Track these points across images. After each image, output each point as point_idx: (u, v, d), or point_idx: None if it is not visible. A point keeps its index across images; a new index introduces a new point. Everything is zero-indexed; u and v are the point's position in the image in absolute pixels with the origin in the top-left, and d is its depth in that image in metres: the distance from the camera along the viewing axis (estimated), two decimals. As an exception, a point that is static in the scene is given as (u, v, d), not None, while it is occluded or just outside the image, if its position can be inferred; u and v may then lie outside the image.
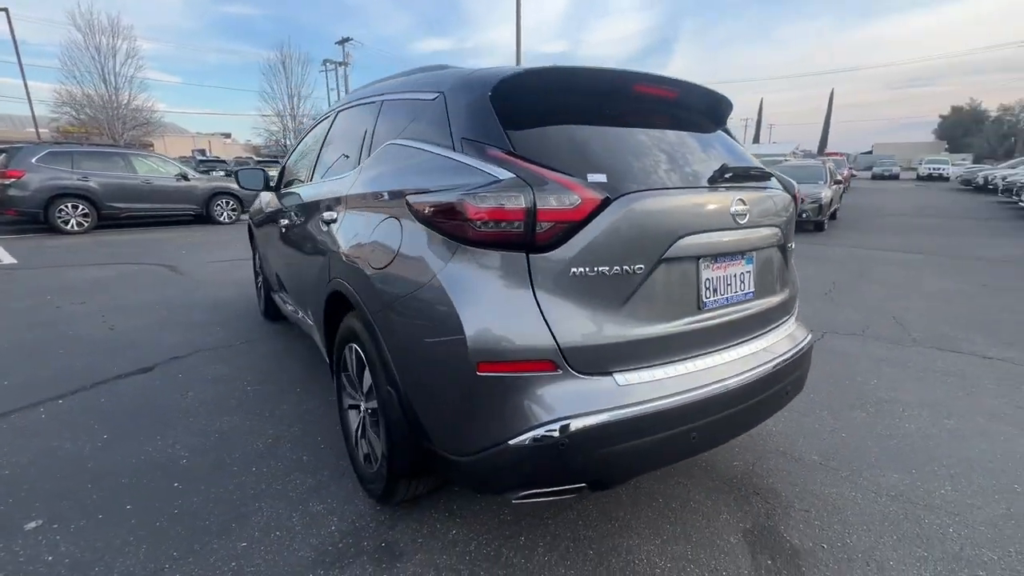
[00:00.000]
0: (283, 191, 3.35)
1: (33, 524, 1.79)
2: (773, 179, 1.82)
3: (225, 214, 10.93)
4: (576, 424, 1.26)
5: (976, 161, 41.98)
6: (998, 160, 37.65)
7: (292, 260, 2.73)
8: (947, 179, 33.00)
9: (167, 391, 2.87)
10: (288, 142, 33.64)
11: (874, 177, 36.91)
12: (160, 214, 10.22)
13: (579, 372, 1.30)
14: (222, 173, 20.03)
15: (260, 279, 4.19)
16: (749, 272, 1.65)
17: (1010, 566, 1.62)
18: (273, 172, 3.82)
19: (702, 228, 1.46)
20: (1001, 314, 4.44)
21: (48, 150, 9.20)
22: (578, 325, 1.30)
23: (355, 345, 1.83)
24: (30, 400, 2.73)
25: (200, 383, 2.98)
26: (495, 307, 1.28)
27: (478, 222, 1.27)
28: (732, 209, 1.53)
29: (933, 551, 1.69)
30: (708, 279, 1.52)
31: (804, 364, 1.84)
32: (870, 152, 65.74)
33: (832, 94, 65.87)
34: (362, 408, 1.90)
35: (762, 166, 1.78)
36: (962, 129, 63.80)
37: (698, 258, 1.48)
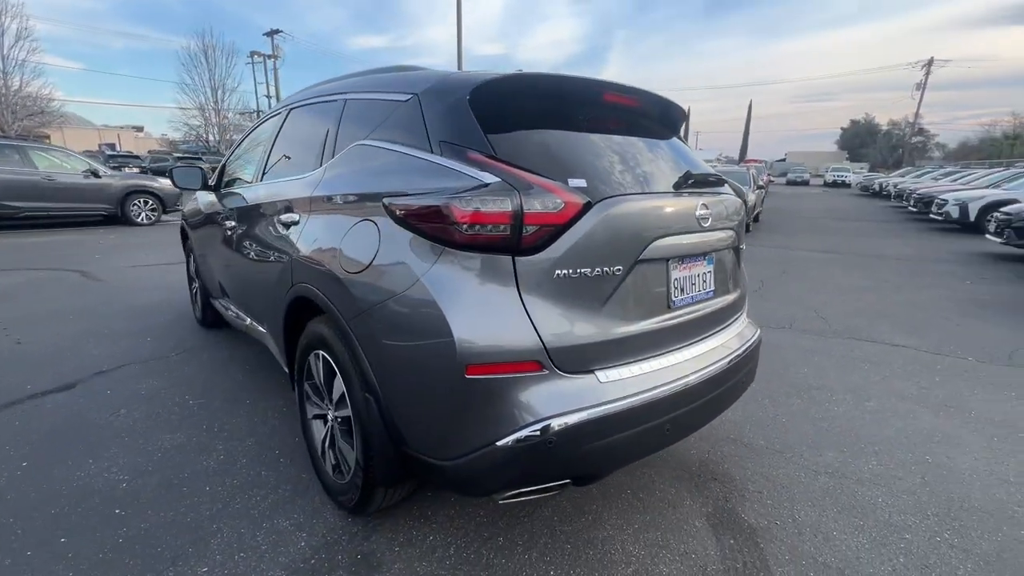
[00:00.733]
0: (224, 191, 3.15)
1: (-54, 568, 1.57)
2: (727, 185, 1.95)
3: (143, 214, 10.04)
4: (563, 422, 1.30)
5: (871, 170, 46.81)
6: (889, 169, 42.21)
7: (239, 264, 2.58)
8: (849, 185, 36.70)
9: (95, 410, 2.61)
10: (212, 137, 31.47)
11: (788, 183, 40.30)
12: (66, 214, 9.22)
13: (563, 371, 1.34)
14: (136, 170, 18.48)
15: (196, 285, 3.91)
16: (710, 272, 1.77)
17: (929, 528, 1.84)
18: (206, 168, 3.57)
19: (672, 231, 1.55)
20: (901, 307, 5.00)
21: (-77, 141, 8.04)
22: (562, 326, 1.34)
23: (323, 352, 1.76)
24: (-76, 427, 2.40)
25: (134, 399, 2.74)
26: (482, 309, 1.29)
27: (465, 225, 1.28)
28: (697, 213, 1.63)
29: (867, 520, 1.88)
30: (676, 279, 1.61)
31: (755, 357, 1.99)
32: (783, 160, 71.43)
33: (751, 105, 70.77)
34: (330, 417, 1.83)
35: (718, 173, 1.91)
36: (859, 140, 70.89)
37: (668, 259, 1.57)
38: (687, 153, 1.95)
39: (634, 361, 1.47)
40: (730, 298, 1.91)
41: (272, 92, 34.48)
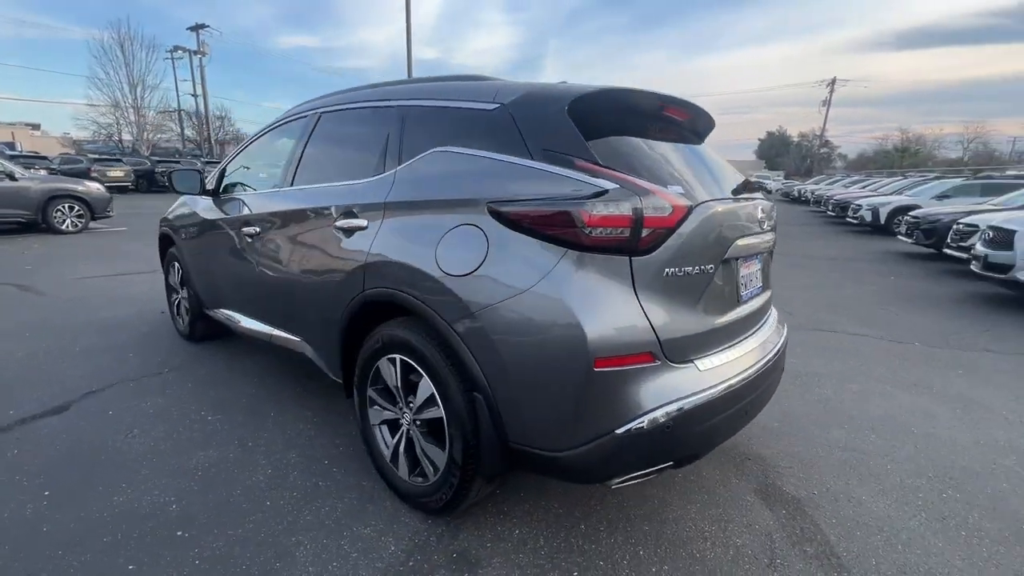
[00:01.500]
0: (230, 196, 3.01)
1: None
2: (761, 191, 2.17)
3: (68, 221, 9.11)
4: (677, 408, 1.42)
5: (787, 178, 51.04)
6: (802, 177, 46.22)
7: (265, 273, 2.48)
8: (770, 192, 39.88)
9: (103, 432, 2.41)
10: (128, 137, 28.93)
11: (716, 189, 43.09)
12: (-27, 221, 8.21)
13: (672, 362, 1.46)
14: (43, 171, 16.61)
15: (180, 296, 3.67)
16: (759, 270, 1.97)
17: (934, 487, 2.13)
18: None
19: (745, 232, 1.73)
20: (849, 301, 5.59)
21: None
22: (670, 320, 1.46)
23: (401, 356, 1.78)
24: (-97, 462, 2.12)
25: (143, 419, 2.55)
26: (606, 307, 1.39)
27: (591, 229, 1.37)
28: (758, 216, 1.82)
29: (885, 484, 2.15)
30: (742, 276, 1.78)
31: (786, 345, 2.21)
32: (709, 168, 75.85)
33: (679, 116, 74.99)
34: (406, 420, 1.84)
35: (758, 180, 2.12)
36: (775, 150, 77.08)
37: (738, 258, 1.74)
38: (721, 160, 2.15)
39: (721, 350, 1.62)
40: (768, 293, 2.12)
41: (199, 91, 32.25)
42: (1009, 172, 19.12)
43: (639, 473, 1.49)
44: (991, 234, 5.73)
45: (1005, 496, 2.08)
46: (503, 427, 1.53)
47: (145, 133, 28.85)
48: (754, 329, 1.88)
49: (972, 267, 6.02)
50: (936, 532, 1.85)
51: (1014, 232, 5.38)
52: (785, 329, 2.20)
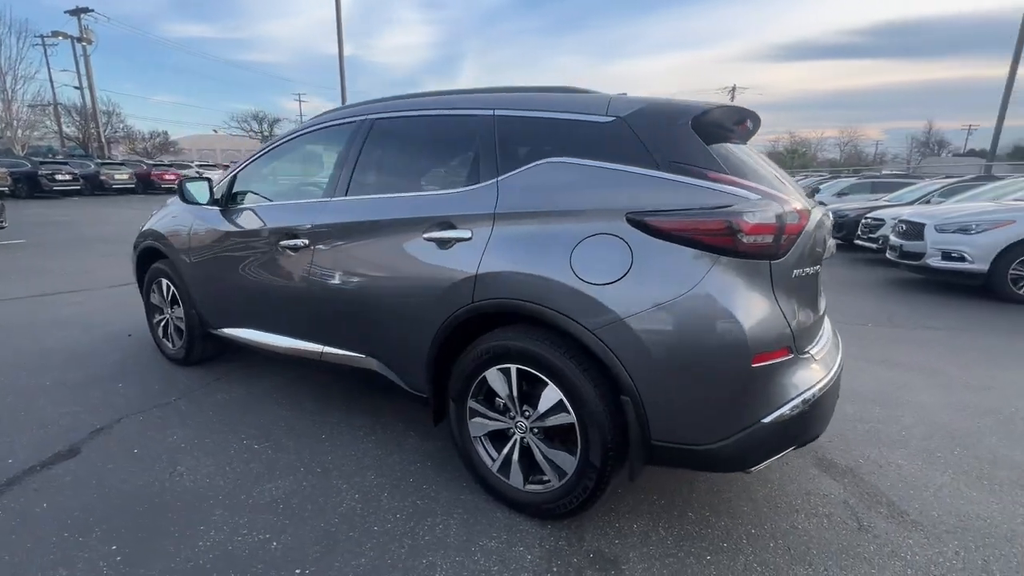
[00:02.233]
0: (245, 207, 2.80)
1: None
2: None
3: (-49, 235, 7.76)
4: (810, 395, 1.58)
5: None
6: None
7: (323, 287, 2.33)
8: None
9: (140, 473, 2.16)
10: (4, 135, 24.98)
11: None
12: None
13: (799, 354, 1.62)
14: None
15: (165, 317, 3.33)
16: (820, 269, 2.20)
17: (945, 446, 2.50)
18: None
19: (827, 235, 1.93)
20: (798, 289, 6.23)
21: None
22: (796, 316, 1.62)
23: (517, 366, 1.79)
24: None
25: (179, 454, 2.31)
26: (756, 308, 1.51)
27: (748, 237, 1.48)
28: (828, 221, 2.03)
29: (910, 449, 2.48)
30: (819, 275, 1.99)
31: None
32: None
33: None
34: (521, 429, 1.85)
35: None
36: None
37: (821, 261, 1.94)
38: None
39: (819, 342, 1.81)
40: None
41: (83, 83, 28.52)
42: (885, 172, 22.09)
43: (774, 457, 1.63)
44: (904, 227, 6.65)
45: (999, 449, 2.49)
46: (647, 426, 1.61)
47: (19, 130, 25.04)
48: (824, 323, 2.10)
49: (888, 255, 6.96)
50: (966, 484, 2.19)
51: (923, 225, 6.29)
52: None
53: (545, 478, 1.85)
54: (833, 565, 1.70)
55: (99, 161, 23.37)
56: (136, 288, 3.72)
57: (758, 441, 1.56)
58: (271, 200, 2.85)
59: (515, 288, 1.75)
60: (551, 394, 1.74)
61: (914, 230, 6.45)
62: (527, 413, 1.84)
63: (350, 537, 1.81)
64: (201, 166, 27.57)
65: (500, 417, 1.92)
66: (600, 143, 1.75)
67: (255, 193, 2.89)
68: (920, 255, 6.25)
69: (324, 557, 1.71)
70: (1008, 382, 3.32)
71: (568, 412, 1.72)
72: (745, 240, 1.49)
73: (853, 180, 14.77)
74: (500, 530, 1.85)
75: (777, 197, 1.57)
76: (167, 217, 3.25)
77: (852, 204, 11.01)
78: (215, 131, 67.20)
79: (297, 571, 1.65)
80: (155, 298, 3.41)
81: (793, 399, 1.56)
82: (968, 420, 2.78)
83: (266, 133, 43.31)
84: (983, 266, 5.66)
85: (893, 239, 6.86)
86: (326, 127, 2.60)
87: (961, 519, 1.95)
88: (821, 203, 2.19)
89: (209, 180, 2.86)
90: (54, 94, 29.74)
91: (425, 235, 2.00)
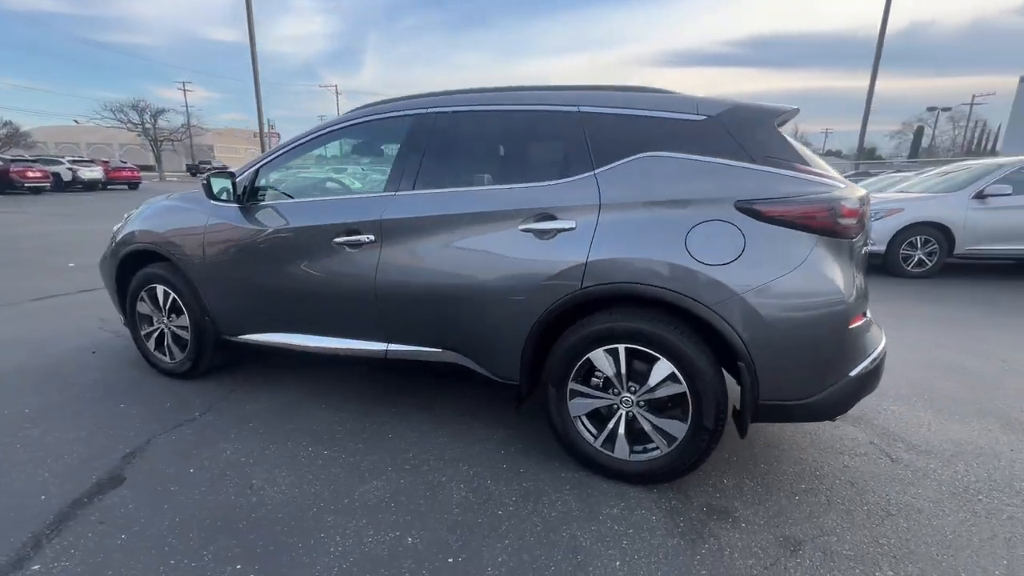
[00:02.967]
0: (280, 204, 2.64)
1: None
2: None
3: None
4: (879, 352, 1.91)
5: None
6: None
7: (398, 284, 2.27)
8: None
9: (212, 494, 2.00)
10: None
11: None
12: None
13: (867, 318, 1.94)
14: None
15: (160, 327, 3.01)
16: None
17: (951, 385, 3.04)
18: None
19: None
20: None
21: None
22: (863, 286, 1.93)
23: (625, 344, 1.93)
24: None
25: (242, 469, 2.16)
26: (847, 279, 1.79)
27: (843, 219, 1.75)
28: None
29: (934, 396, 2.98)
30: None
31: None
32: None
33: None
34: (629, 401, 1.99)
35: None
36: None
37: None
38: None
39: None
40: None
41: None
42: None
43: (854, 406, 1.93)
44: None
45: (951, 390, 3.07)
46: (757, 387, 1.84)
47: None
48: None
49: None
50: (945, 419, 2.69)
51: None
52: None
53: (651, 446, 2.02)
54: (889, 490, 2.06)
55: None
56: (73, 300, 3.30)
57: (846, 393, 1.85)
58: (302, 196, 2.70)
59: (632, 272, 1.89)
60: (662, 368, 1.91)
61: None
62: (632, 388, 1.99)
63: (481, 523, 1.84)
64: (75, 162, 24.01)
65: (603, 394, 2.05)
66: (695, 139, 1.94)
67: (277, 189, 2.72)
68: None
69: (468, 544, 1.73)
70: (921, 340, 4.03)
71: (679, 383, 1.90)
72: (841, 223, 1.76)
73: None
74: (614, 499, 1.99)
75: (851, 185, 1.87)
76: (166, 215, 2.93)
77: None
78: (76, 122, 58.52)
79: (450, 560, 1.66)
80: (144, 307, 3.06)
81: (871, 355, 1.88)
82: (916, 371, 3.38)
83: (148, 125, 38.54)
84: (882, 247, 6.74)
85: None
86: (375, 120, 2.52)
87: (955, 445, 2.42)
88: None
89: (232, 175, 2.64)
90: None
91: (522, 227, 2.06)
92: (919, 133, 57.34)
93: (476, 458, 2.27)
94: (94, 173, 23.61)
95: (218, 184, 2.55)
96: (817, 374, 1.82)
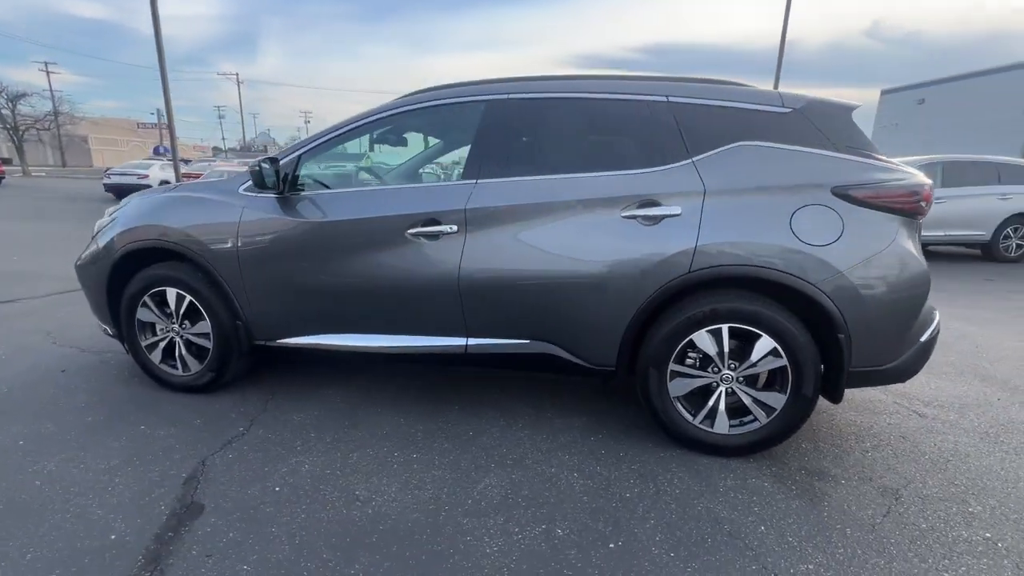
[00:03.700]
0: (329, 192, 2.45)
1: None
2: None
3: None
4: (938, 320, 2.18)
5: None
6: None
7: (492, 274, 2.19)
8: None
9: (318, 508, 1.82)
10: None
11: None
12: None
13: (926, 289, 2.21)
14: None
15: (170, 336, 2.66)
16: None
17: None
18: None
19: None
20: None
21: None
22: None
23: (729, 324, 2.03)
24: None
25: (337, 482, 1.98)
26: (920, 254, 2.02)
27: (923, 202, 1.97)
28: None
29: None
30: None
31: None
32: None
33: (424, 112, 78.30)
34: (727, 380, 2.10)
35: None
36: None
37: None
38: None
39: None
40: None
41: None
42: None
43: (922, 368, 2.18)
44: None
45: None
46: (851, 356, 2.02)
47: None
48: None
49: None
50: (946, 380, 3.12)
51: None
52: None
53: (747, 419, 2.14)
54: (934, 440, 2.36)
55: None
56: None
57: (919, 356, 2.10)
58: (345, 186, 2.52)
59: (743, 255, 1.99)
60: (764, 344, 2.04)
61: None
62: (732, 365, 2.10)
63: (615, 506, 1.85)
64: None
65: (703, 373, 2.14)
66: (783, 130, 2.08)
67: (316, 180, 2.51)
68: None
69: (619, 527, 1.74)
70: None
71: (780, 356, 2.03)
72: (922, 206, 1.99)
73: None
74: (721, 471, 2.09)
75: (917, 172, 2.11)
76: (182, 208, 2.57)
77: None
78: None
79: (611, 545, 1.66)
80: (146, 314, 2.67)
81: (933, 324, 2.14)
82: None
83: (5, 111, 32.80)
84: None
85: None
86: (437, 105, 2.41)
87: (959, 400, 2.83)
88: None
89: (276, 160, 2.38)
90: None
91: (624, 214, 2.09)
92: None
93: (571, 447, 2.26)
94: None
95: (266, 173, 2.29)
96: (899, 341, 2.05)
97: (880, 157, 2.06)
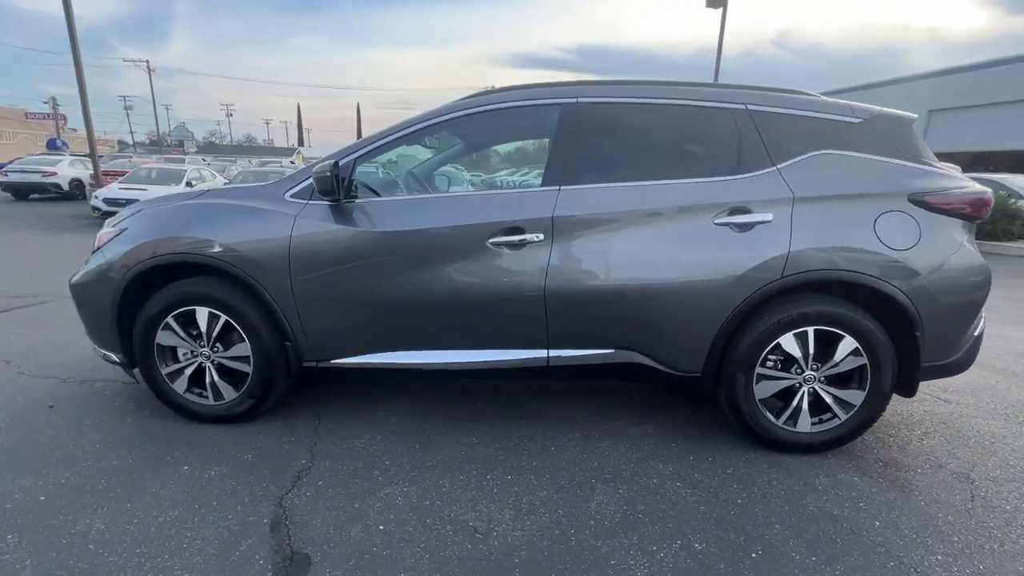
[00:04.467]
0: (397, 198, 2.27)
1: None
2: None
3: None
4: (984, 318, 2.37)
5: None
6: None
7: (561, 285, 2.10)
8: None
9: (440, 545, 1.68)
10: None
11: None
12: None
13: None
14: None
15: (199, 362, 2.36)
16: None
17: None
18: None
19: None
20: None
21: None
22: None
23: (816, 327, 2.10)
24: None
25: (441, 513, 1.84)
26: (981, 256, 2.18)
27: (987, 208, 2.12)
28: None
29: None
30: None
31: None
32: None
33: (359, 107, 75.69)
34: (810, 380, 2.17)
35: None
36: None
37: None
38: None
39: None
40: None
41: None
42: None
43: (975, 360, 2.36)
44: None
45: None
46: (922, 353, 2.15)
47: None
48: None
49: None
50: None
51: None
52: None
53: (827, 417, 2.22)
54: (970, 423, 2.58)
55: None
56: None
57: (973, 350, 2.27)
58: (397, 193, 2.36)
59: (833, 260, 2.05)
60: (847, 344, 2.12)
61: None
62: (814, 366, 2.18)
63: (735, 514, 1.85)
64: None
65: (787, 375, 2.20)
66: (856, 139, 2.17)
67: (369, 186, 2.33)
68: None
69: (750, 536, 1.74)
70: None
71: (861, 356, 2.13)
72: (986, 211, 2.15)
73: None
74: (810, 469, 2.15)
75: (970, 180, 2.28)
76: (219, 217, 2.27)
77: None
78: None
79: (753, 555, 1.66)
80: (168, 338, 2.35)
81: (982, 320, 2.32)
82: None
83: None
84: None
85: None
86: (502, 108, 2.30)
87: (968, 385, 3.10)
88: None
89: (336, 165, 2.16)
90: None
91: (716, 220, 2.09)
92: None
93: (659, 455, 2.25)
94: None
95: (320, 182, 2.06)
96: (960, 336, 2.21)
97: (940, 165, 2.21)
